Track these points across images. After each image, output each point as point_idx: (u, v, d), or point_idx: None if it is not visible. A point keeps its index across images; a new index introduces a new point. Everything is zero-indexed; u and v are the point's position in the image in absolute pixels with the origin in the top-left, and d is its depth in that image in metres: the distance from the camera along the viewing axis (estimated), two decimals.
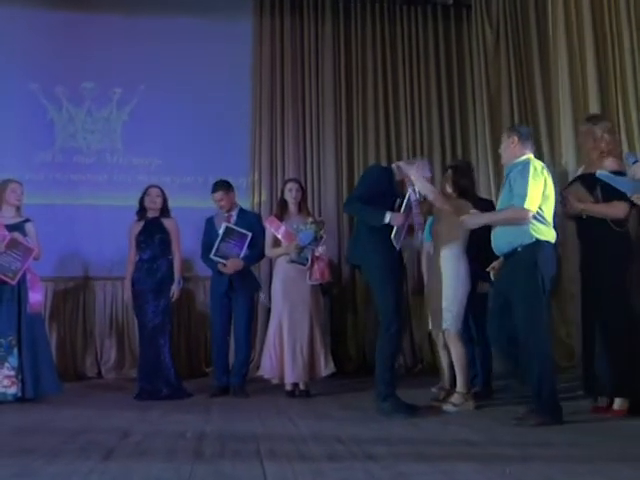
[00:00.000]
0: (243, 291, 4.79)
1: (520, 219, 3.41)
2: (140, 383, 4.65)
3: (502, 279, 3.62)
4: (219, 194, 4.85)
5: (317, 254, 4.59)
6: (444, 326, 3.98)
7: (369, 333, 5.81)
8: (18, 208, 4.73)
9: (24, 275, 4.55)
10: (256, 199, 6.24)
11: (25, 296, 4.54)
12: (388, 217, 3.76)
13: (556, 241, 3.52)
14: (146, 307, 4.71)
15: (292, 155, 6.28)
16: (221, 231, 4.72)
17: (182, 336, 5.88)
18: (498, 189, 6.05)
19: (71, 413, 4.00)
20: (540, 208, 3.43)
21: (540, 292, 3.40)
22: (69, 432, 3.32)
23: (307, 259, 4.56)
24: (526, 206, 3.37)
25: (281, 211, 4.77)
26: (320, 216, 5.73)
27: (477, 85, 6.38)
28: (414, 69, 6.49)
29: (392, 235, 3.75)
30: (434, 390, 4.39)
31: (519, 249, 3.44)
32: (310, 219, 4.68)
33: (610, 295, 3.57)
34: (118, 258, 5.52)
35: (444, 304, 3.96)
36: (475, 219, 3.66)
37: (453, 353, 3.98)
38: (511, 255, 3.50)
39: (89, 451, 2.87)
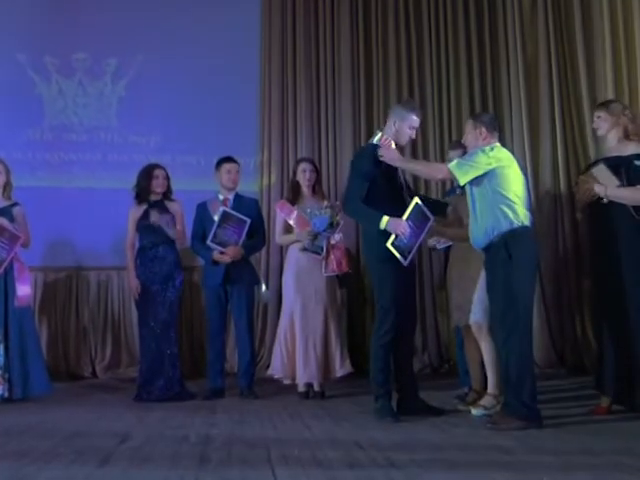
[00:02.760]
0: (242, 283, 4.74)
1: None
2: (140, 383, 4.67)
3: None
4: (234, 165, 4.83)
5: (333, 242, 4.59)
6: (474, 319, 3.98)
7: None
8: (4, 190, 4.76)
9: (11, 264, 4.59)
10: (265, 181, 6.24)
11: (12, 288, 4.59)
12: (384, 222, 3.65)
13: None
14: (150, 300, 4.68)
15: (305, 132, 6.26)
16: (218, 216, 4.67)
17: (184, 332, 5.89)
18: (534, 164, 6.07)
19: (64, 415, 4.05)
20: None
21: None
22: (63, 435, 3.37)
23: (322, 248, 4.56)
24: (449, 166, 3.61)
25: (293, 194, 4.77)
26: (336, 200, 5.72)
27: (512, 53, 6.32)
28: (441, 36, 6.43)
29: (389, 242, 3.62)
30: (463, 392, 4.39)
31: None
32: (325, 203, 4.69)
33: (624, 288, 3.58)
34: (114, 245, 5.57)
35: (475, 296, 3.97)
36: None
37: (484, 349, 3.98)
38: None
39: (85, 456, 2.90)
